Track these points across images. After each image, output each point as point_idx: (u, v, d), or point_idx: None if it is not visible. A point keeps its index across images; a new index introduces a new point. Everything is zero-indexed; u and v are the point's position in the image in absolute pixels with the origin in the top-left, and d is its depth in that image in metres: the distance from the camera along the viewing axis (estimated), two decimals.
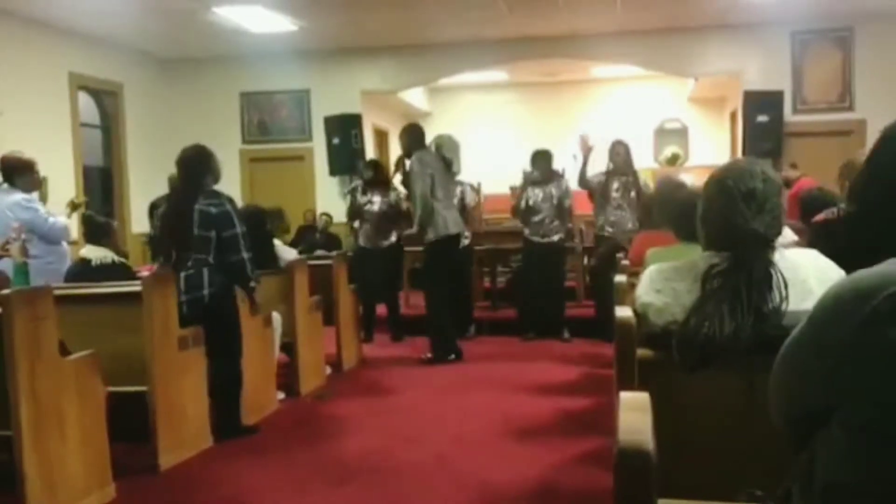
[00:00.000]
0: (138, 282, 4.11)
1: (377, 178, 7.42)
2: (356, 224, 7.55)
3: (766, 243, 1.78)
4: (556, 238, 7.23)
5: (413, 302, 8.32)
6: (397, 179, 6.99)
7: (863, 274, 1.10)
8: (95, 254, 4.70)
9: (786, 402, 1.24)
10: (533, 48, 9.75)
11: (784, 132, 9.02)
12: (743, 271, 1.73)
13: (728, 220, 1.79)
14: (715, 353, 1.69)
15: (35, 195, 5.10)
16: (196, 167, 4.48)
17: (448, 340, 6.48)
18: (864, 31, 8.92)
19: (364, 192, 7.37)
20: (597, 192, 7.04)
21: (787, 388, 1.23)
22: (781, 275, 1.73)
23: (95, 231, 4.81)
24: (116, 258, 4.74)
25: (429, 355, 6.44)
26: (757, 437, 1.65)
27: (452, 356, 6.46)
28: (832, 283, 1.16)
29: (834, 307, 1.12)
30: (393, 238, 7.42)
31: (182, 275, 4.33)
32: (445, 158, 6.81)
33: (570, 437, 4.41)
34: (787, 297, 1.71)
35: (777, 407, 1.26)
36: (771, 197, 1.79)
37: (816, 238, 3.28)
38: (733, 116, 10.32)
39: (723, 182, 1.85)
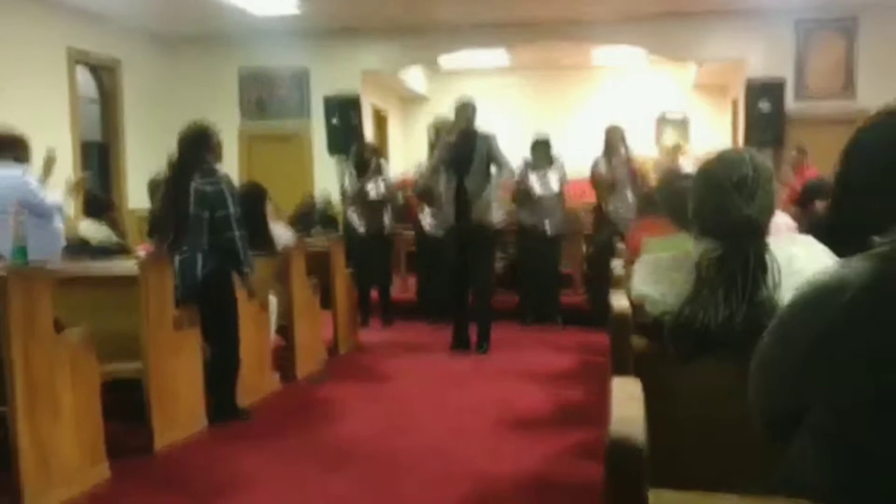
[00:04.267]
0: (135, 263, 4.10)
1: (372, 162, 7.39)
2: (350, 209, 7.52)
3: (760, 229, 1.78)
4: (551, 224, 7.23)
5: (412, 286, 8.32)
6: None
7: (828, 273, 1.10)
8: (94, 232, 4.68)
9: (761, 401, 1.24)
10: (534, 30, 9.67)
11: (786, 120, 8.99)
12: (738, 258, 1.73)
13: (721, 210, 1.78)
14: (709, 342, 1.69)
15: (27, 168, 5.06)
16: (193, 145, 4.44)
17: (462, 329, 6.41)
18: (868, 21, 8.87)
19: (359, 177, 7.34)
20: (602, 177, 7.04)
21: (762, 387, 1.23)
22: (776, 261, 1.72)
23: (96, 207, 4.78)
24: (115, 238, 4.72)
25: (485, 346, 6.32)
26: (751, 426, 1.65)
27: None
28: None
29: (801, 307, 1.12)
30: (387, 222, 7.41)
31: (177, 258, 4.31)
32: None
33: (564, 427, 4.42)
34: (780, 282, 1.70)
35: (755, 407, 1.26)
36: (763, 184, 1.78)
37: (814, 228, 3.28)
38: (735, 104, 10.28)
39: (713, 172, 1.84)
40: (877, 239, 1.08)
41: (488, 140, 6.03)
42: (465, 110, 6.08)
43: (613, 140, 7.06)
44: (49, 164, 5.24)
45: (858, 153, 1.88)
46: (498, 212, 6.17)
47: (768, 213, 1.80)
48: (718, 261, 1.74)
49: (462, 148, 5.99)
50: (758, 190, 1.77)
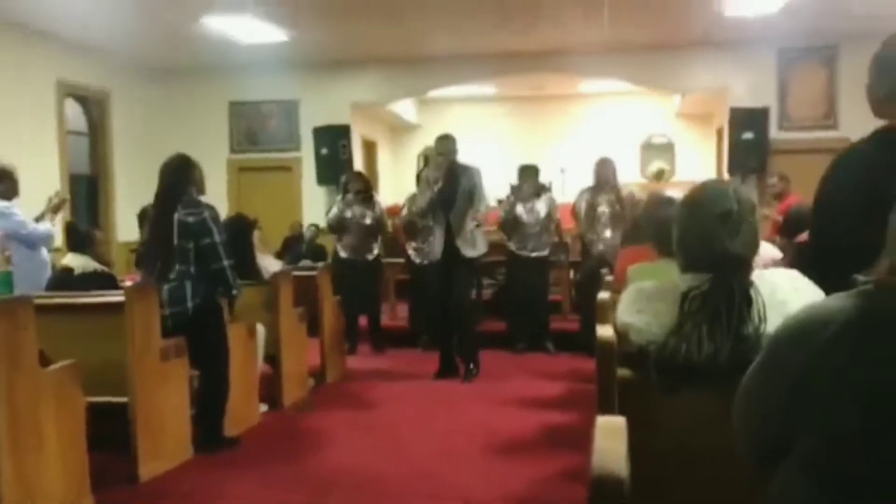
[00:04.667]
0: (121, 292, 4.09)
1: (362, 190, 7.42)
2: (338, 237, 7.54)
3: (745, 264, 1.78)
4: (543, 252, 7.28)
5: (400, 314, 8.32)
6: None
7: (811, 309, 1.13)
8: (78, 263, 4.68)
9: (747, 432, 1.26)
10: (521, 62, 9.79)
11: (769, 149, 9.09)
12: (722, 293, 1.73)
13: (705, 243, 1.79)
14: (693, 375, 1.70)
15: (15, 202, 5.07)
16: (174, 177, 4.46)
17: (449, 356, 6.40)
18: (849, 51, 9.00)
19: (349, 205, 7.37)
20: (583, 210, 7.07)
21: (748, 418, 1.25)
22: (761, 296, 1.73)
23: (78, 239, 4.79)
24: (99, 267, 4.72)
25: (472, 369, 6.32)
26: (736, 457, 1.65)
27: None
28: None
29: (785, 341, 1.15)
30: (375, 251, 7.43)
31: (165, 287, 4.30)
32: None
33: (552, 453, 4.41)
34: (766, 317, 1.71)
35: (741, 437, 1.28)
36: (746, 217, 1.79)
37: (799, 257, 3.31)
38: (720, 133, 10.39)
39: (697, 205, 1.86)
40: (860, 277, 1.11)
41: (472, 176, 6.12)
42: (446, 144, 6.18)
43: (602, 174, 7.08)
44: (57, 206, 5.28)
45: (833, 176, 1.93)
46: (481, 244, 6.22)
47: (753, 248, 1.81)
48: (703, 295, 1.74)
49: (448, 187, 6.07)
50: (742, 224, 1.78)
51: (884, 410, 1.00)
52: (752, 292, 1.74)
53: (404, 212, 7.43)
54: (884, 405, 1.00)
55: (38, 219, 5.25)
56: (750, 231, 1.80)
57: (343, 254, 7.39)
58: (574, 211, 7.19)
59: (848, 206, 1.87)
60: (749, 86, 9.31)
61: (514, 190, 7.37)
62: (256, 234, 5.84)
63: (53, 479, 3.36)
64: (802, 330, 1.11)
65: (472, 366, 6.25)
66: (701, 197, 1.87)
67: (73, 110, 8.90)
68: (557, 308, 8.05)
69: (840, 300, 1.10)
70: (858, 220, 1.41)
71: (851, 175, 1.97)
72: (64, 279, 4.69)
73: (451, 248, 6.10)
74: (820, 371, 1.06)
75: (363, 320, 7.57)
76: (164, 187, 4.47)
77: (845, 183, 1.97)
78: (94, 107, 9.15)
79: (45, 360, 3.43)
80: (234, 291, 4.52)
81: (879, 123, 2.07)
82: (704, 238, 1.80)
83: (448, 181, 6.07)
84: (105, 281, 4.69)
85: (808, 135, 9.16)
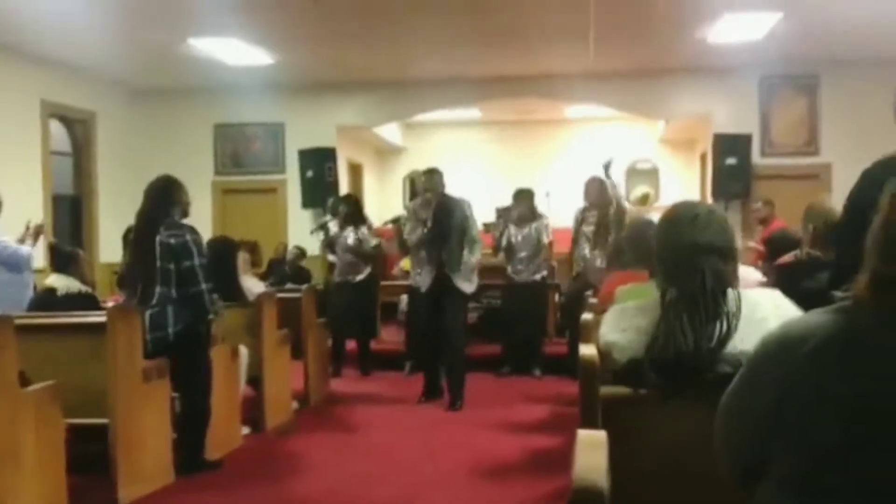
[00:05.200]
0: (103, 312, 4.06)
1: (351, 212, 7.42)
2: (331, 257, 7.55)
3: (715, 251, 1.84)
4: (537, 277, 7.29)
5: (386, 337, 8.29)
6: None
7: (790, 324, 1.14)
8: (61, 283, 4.65)
9: (729, 448, 1.26)
10: (507, 87, 9.86)
11: (752, 174, 9.18)
12: (694, 278, 1.78)
13: (678, 241, 1.88)
14: (685, 373, 1.71)
15: None
16: (158, 199, 4.45)
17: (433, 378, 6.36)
18: (830, 79, 9.13)
19: (339, 227, 7.37)
20: (573, 229, 7.11)
21: (730, 434, 1.25)
22: (739, 284, 1.80)
23: (62, 260, 4.76)
24: (83, 288, 4.69)
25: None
26: (720, 476, 1.65)
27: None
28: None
29: (765, 357, 1.16)
30: (366, 272, 7.41)
31: (147, 312, 4.27)
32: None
33: (536, 477, 4.39)
34: (741, 304, 1.75)
35: (722, 454, 1.28)
36: (716, 217, 1.91)
37: (780, 279, 3.34)
38: (703, 158, 10.49)
39: (671, 220, 1.96)
40: (838, 294, 1.14)
41: (463, 209, 6.11)
42: (433, 180, 6.19)
43: (589, 192, 7.11)
44: (37, 232, 5.26)
45: (853, 194, 1.97)
46: (475, 278, 6.22)
47: (723, 239, 1.88)
48: (678, 285, 1.81)
49: (439, 224, 6.03)
50: (712, 220, 1.89)
51: (863, 425, 1.01)
52: (724, 276, 1.80)
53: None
54: (863, 419, 1.01)
55: (20, 241, 5.22)
56: (720, 226, 1.91)
57: (333, 275, 7.38)
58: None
59: (856, 219, 1.91)
60: (732, 112, 9.41)
61: (503, 213, 7.37)
62: (242, 256, 5.82)
63: (31, 502, 3.31)
64: (782, 345, 1.12)
65: (458, 402, 6.12)
66: (674, 212, 1.98)
67: (58, 130, 8.87)
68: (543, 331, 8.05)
69: (819, 316, 1.11)
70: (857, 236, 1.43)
71: (869, 187, 2.01)
72: (46, 300, 4.66)
73: (442, 282, 6.05)
74: (800, 386, 1.06)
75: (351, 343, 7.53)
76: (147, 208, 4.46)
77: (862, 196, 2.00)
78: (78, 127, 9.12)
79: (25, 381, 3.40)
80: (210, 316, 4.46)
81: (861, 150, 2.12)
82: (677, 238, 1.89)
83: (438, 218, 6.05)
84: (88, 302, 4.66)
85: (790, 161, 9.26)
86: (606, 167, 6.87)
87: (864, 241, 1.12)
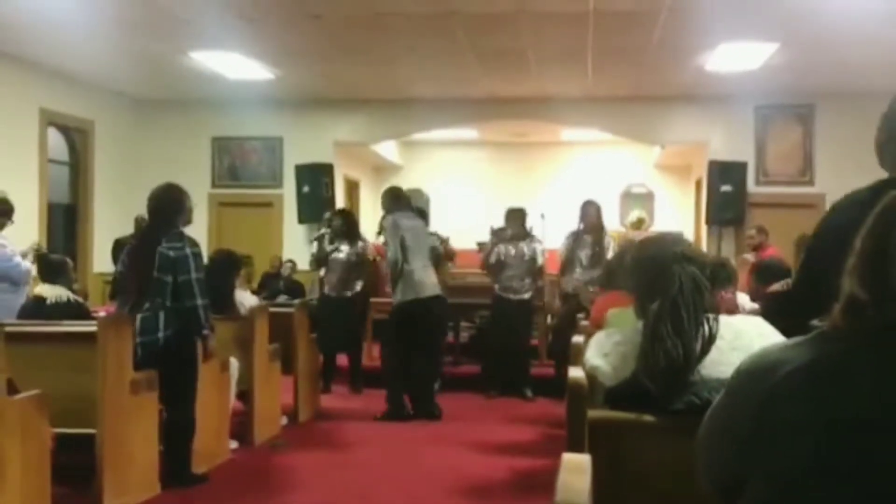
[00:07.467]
0: (93, 322, 4.06)
1: (345, 227, 7.43)
2: (322, 272, 7.54)
3: (690, 259, 1.88)
4: (526, 296, 7.29)
5: (376, 354, 8.26)
6: (381, 240, 7.00)
7: (766, 351, 1.17)
8: (51, 292, 4.65)
9: (706, 471, 1.28)
10: (504, 109, 9.93)
11: (747, 202, 9.23)
12: (672, 283, 1.82)
13: (655, 259, 1.93)
14: (679, 379, 1.73)
15: (2, 233, 5.08)
16: (166, 207, 4.45)
17: (396, 400, 6.33)
18: (825, 109, 9.22)
19: (332, 241, 7.37)
20: (563, 253, 7.12)
21: (710, 455, 1.27)
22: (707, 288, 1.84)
23: (51, 269, 4.76)
24: (72, 297, 4.68)
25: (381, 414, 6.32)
26: (707, 498, 1.66)
27: (400, 415, 6.30)
28: None
29: (739, 384, 1.18)
30: (358, 288, 7.40)
31: (139, 317, 4.27)
32: (424, 213, 6.88)
33: (521, 499, 4.39)
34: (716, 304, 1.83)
35: (703, 475, 1.30)
36: (694, 247, 2.02)
37: (767, 309, 3.35)
38: (698, 184, 10.54)
39: (644, 244, 2.08)
40: (816, 322, 1.16)
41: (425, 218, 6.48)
42: (401, 199, 6.54)
43: (587, 215, 7.14)
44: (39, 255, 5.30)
45: (821, 229, 1.99)
46: (399, 291, 6.31)
47: (698, 253, 1.96)
48: (660, 299, 1.83)
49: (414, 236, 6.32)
50: (685, 242, 2.01)
51: (834, 450, 1.03)
52: (700, 281, 1.84)
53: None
54: (834, 445, 1.03)
55: (23, 255, 5.26)
56: (694, 245, 1.94)
57: (326, 290, 7.38)
58: (559, 255, 7.22)
59: (830, 250, 1.93)
60: (728, 140, 9.49)
61: (496, 233, 7.39)
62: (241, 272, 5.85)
63: None
64: (759, 368, 1.15)
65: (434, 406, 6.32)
66: (646, 239, 2.14)
67: (56, 139, 8.88)
68: (534, 353, 8.04)
69: (796, 342, 1.13)
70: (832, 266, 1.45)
71: (839, 217, 2.02)
72: (36, 308, 4.65)
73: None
74: (773, 410, 1.08)
75: (343, 359, 7.51)
76: (152, 218, 4.45)
77: (833, 226, 2.02)
78: (76, 136, 9.14)
79: (13, 389, 3.39)
80: (205, 332, 4.42)
81: (855, 181, 2.13)
82: (653, 257, 1.94)
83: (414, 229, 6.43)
84: (77, 311, 4.66)
85: (784, 189, 9.32)
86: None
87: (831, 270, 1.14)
